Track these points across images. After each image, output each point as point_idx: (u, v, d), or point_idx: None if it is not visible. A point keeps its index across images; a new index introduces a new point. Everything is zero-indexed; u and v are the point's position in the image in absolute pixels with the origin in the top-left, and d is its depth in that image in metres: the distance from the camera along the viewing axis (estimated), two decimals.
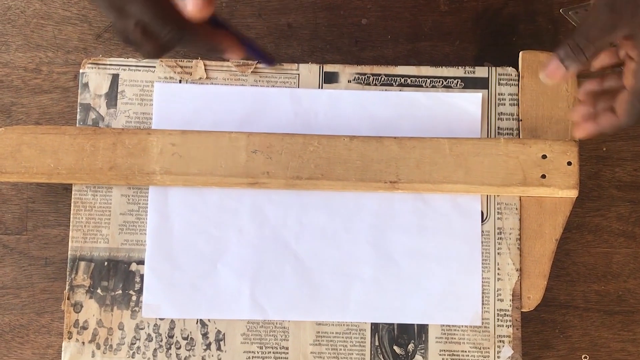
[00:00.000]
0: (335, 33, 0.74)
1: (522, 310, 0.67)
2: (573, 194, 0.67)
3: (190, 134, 0.67)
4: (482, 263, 0.68)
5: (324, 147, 0.68)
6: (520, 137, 0.69)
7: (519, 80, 0.70)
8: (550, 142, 0.67)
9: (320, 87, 0.71)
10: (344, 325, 0.67)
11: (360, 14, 0.74)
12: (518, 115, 0.70)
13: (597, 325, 0.70)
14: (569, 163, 0.67)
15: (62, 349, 0.66)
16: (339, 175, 0.67)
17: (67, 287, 0.67)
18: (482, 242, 0.68)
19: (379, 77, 0.71)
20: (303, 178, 0.67)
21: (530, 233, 0.68)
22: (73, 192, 0.68)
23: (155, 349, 0.67)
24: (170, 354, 0.67)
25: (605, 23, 0.51)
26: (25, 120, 0.72)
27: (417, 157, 0.67)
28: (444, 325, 0.67)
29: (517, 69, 0.70)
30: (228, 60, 0.70)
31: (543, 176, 0.67)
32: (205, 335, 0.67)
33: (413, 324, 0.67)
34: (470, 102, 0.70)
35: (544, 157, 0.67)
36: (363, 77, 0.71)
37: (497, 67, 0.71)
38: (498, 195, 0.69)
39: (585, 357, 0.69)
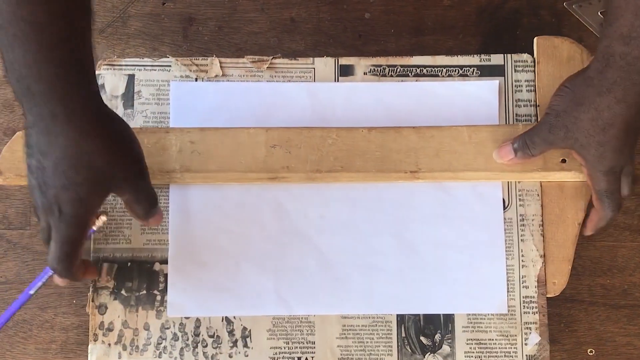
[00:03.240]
0: (338, 27, 0.74)
1: (548, 295, 0.67)
2: None
3: (208, 131, 0.67)
4: (506, 250, 0.68)
5: (342, 139, 0.67)
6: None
7: (535, 67, 0.70)
8: None
9: (336, 80, 0.70)
10: (369, 317, 0.67)
11: (363, 8, 0.74)
12: (535, 101, 0.70)
13: (602, 319, 0.69)
14: None
15: (89, 351, 0.66)
16: (359, 167, 0.67)
17: (90, 289, 0.67)
18: (504, 230, 0.68)
19: (395, 68, 0.71)
20: (323, 171, 0.67)
21: (552, 218, 0.68)
22: None
23: (181, 348, 0.66)
24: (197, 353, 0.66)
25: (545, 138, 0.64)
26: None
27: (436, 146, 0.67)
28: (470, 314, 0.67)
29: (532, 55, 0.70)
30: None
31: (563, 160, 0.67)
32: (231, 333, 0.67)
33: (439, 314, 0.67)
34: (487, 89, 0.70)
35: None
36: (379, 69, 0.71)
37: (513, 54, 0.70)
38: (519, 182, 0.68)
39: (591, 352, 0.69)
